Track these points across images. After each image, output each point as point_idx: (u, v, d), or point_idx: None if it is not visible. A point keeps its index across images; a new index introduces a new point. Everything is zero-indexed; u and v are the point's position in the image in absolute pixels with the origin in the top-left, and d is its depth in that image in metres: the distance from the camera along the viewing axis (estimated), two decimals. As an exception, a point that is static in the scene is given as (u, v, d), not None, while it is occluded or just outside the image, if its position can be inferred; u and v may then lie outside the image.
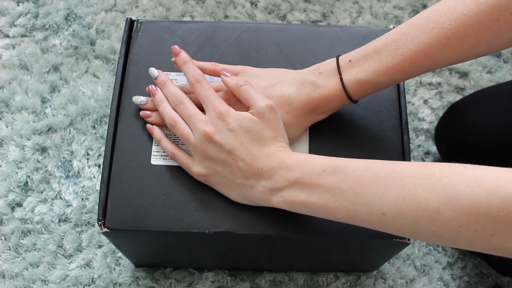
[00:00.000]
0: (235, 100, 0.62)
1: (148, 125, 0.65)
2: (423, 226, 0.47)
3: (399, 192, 0.48)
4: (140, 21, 0.72)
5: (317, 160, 0.55)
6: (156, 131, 0.65)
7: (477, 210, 0.43)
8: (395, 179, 0.49)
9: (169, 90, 0.64)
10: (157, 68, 0.67)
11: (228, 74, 0.63)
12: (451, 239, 0.47)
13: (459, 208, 0.44)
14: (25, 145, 0.97)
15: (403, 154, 0.66)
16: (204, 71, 0.66)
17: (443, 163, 0.48)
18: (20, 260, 0.89)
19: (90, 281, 0.88)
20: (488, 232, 0.44)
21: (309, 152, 0.65)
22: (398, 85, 0.69)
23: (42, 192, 0.94)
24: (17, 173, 0.95)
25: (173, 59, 0.66)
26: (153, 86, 0.66)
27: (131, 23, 0.72)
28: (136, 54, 0.70)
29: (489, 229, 0.43)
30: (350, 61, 0.60)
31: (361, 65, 0.59)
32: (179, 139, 0.65)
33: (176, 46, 0.65)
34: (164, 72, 0.67)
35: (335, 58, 0.61)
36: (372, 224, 0.52)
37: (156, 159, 0.65)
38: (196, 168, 0.61)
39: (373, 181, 0.50)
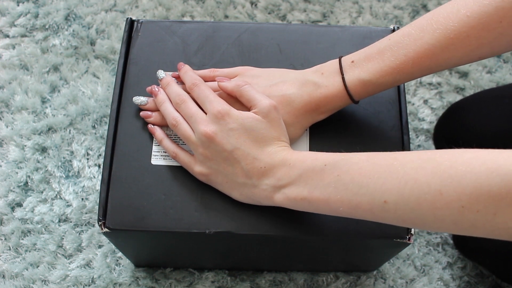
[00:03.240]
0: (234, 100, 0.62)
1: (149, 125, 0.65)
2: (426, 210, 0.47)
3: (401, 178, 0.48)
4: (140, 21, 0.72)
5: (319, 156, 0.55)
6: (158, 131, 0.65)
7: (479, 189, 0.44)
8: (396, 166, 0.49)
9: (172, 90, 0.64)
10: (158, 69, 0.67)
11: (224, 79, 0.63)
12: (454, 222, 0.47)
13: (461, 188, 0.45)
14: (25, 145, 0.97)
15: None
16: (204, 78, 0.66)
17: (444, 149, 0.48)
18: (20, 260, 0.89)
19: (90, 281, 0.88)
20: (490, 211, 0.44)
21: (309, 152, 0.65)
22: (398, 85, 0.69)
23: (42, 192, 0.94)
24: (17, 173, 0.95)
25: (175, 73, 0.67)
26: (155, 86, 0.66)
27: (131, 23, 0.72)
28: (136, 54, 0.70)
29: (492, 208, 0.43)
30: (352, 61, 0.60)
31: (364, 65, 0.59)
32: (180, 139, 0.65)
33: (181, 63, 0.67)
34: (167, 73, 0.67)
35: (338, 59, 0.62)
36: (374, 215, 0.52)
37: (157, 159, 0.65)
38: (198, 168, 0.61)
39: (374, 171, 0.51)
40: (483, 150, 0.46)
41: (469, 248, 0.86)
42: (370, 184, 0.50)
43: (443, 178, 0.46)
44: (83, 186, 0.95)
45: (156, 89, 0.65)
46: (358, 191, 0.51)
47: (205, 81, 0.65)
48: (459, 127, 0.84)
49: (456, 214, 0.46)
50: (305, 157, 0.56)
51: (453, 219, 0.46)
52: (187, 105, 0.62)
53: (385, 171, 0.50)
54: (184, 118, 0.62)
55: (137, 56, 0.70)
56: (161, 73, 0.66)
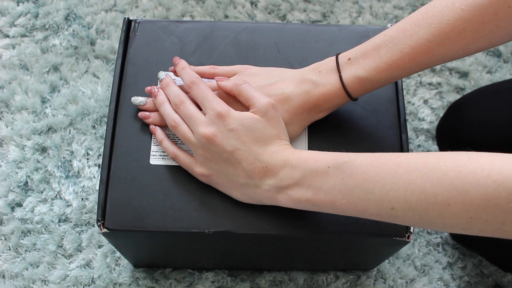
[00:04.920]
0: (233, 99, 0.62)
1: (151, 126, 0.65)
2: (434, 218, 0.48)
3: (407, 187, 0.48)
4: (138, 21, 0.72)
5: (321, 157, 0.55)
6: (158, 132, 0.65)
7: (486, 202, 0.44)
8: (401, 174, 0.49)
9: (171, 90, 0.64)
10: (155, 68, 0.67)
11: (223, 79, 0.63)
12: (463, 229, 0.47)
13: (468, 200, 0.45)
14: (25, 145, 0.97)
15: (401, 152, 0.65)
16: (204, 75, 0.66)
17: (447, 154, 0.48)
18: (20, 260, 0.89)
19: (90, 281, 0.88)
20: (498, 221, 0.44)
21: (308, 151, 0.65)
22: (396, 84, 0.69)
23: (42, 192, 0.94)
24: (17, 173, 0.95)
25: (172, 67, 0.67)
26: (154, 87, 0.66)
27: (128, 23, 0.72)
28: (134, 54, 0.70)
29: (500, 219, 0.44)
30: (349, 59, 0.60)
31: (360, 62, 0.59)
32: (178, 139, 0.65)
33: (177, 57, 0.67)
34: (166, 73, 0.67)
35: (335, 57, 0.61)
36: (381, 218, 0.52)
37: (155, 159, 0.65)
38: (199, 169, 0.61)
39: (379, 177, 0.50)
40: (487, 157, 0.46)
41: (468, 239, 0.86)
42: (376, 190, 0.50)
43: (450, 189, 0.46)
44: (83, 186, 0.95)
45: (156, 89, 0.65)
46: (364, 196, 0.51)
47: (205, 78, 0.65)
48: (461, 124, 0.84)
49: (465, 223, 0.46)
50: (307, 158, 0.56)
51: (462, 226, 0.47)
52: (186, 106, 0.61)
53: (390, 177, 0.50)
54: (183, 119, 0.62)
55: (134, 56, 0.70)
56: (162, 74, 0.66)
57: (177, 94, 0.63)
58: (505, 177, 0.43)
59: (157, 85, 0.67)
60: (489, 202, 0.44)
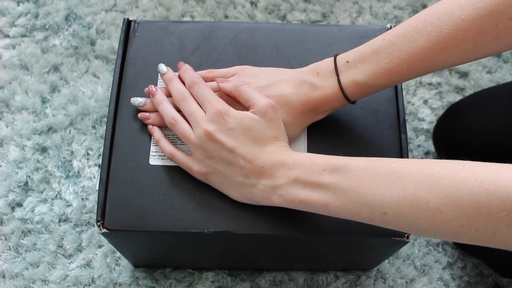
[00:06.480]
0: (233, 100, 0.62)
1: (149, 126, 0.66)
2: (425, 225, 0.48)
3: (399, 192, 0.48)
4: (138, 21, 0.73)
5: (318, 159, 0.55)
6: (156, 132, 0.65)
7: (478, 210, 0.44)
8: (395, 179, 0.49)
9: (174, 86, 0.64)
10: (155, 69, 0.67)
11: (223, 80, 0.63)
12: (453, 237, 0.47)
13: (459, 208, 0.45)
14: (25, 145, 0.97)
15: (401, 152, 0.66)
16: (203, 79, 0.66)
17: (442, 162, 0.48)
18: (20, 260, 0.89)
19: (90, 281, 0.88)
20: (489, 231, 0.44)
21: (308, 151, 0.65)
22: (395, 85, 0.69)
23: (42, 192, 0.94)
24: (17, 173, 0.95)
25: (177, 73, 0.67)
26: (152, 86, 0.66)
27: (128, 24, 0.72)
28: (134, 54, 0.71)
29: (490, 228, 0.44)
30: (347, 62, 0.60)
31: (359, 66, 0.59)
32: (178, 140, 0.65)
33: (182, 62, 0.67)
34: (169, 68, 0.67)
35: (333, 58, 0.61)
36: (374, 222, 0.52)
37: (155, 159, 0.65)
38: (197, 167, 0.61)
39: (373, 181, 0.50)
40: (481, 166, 0.45)
41: (468, 244, 0.86)
42: (369, 194, 0.50)
43: (442, 196, 0.46)
44: (83, 186, 0.95)
45: (154, 88, 0.65)
46: (357, 199, 0.51)
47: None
48: (459, 128, 0.84)
49: (456, 231, 0.46)
50: (304, 159, 0.56)
51: (453, 234, 0.47)
52: (189, 102, 0.62)
53: (383, 182, 0.50)
54: (183, 117, 0.62)
55: (134, 57, 0.70)
56: (163, 68, 0.66)
57: (181, 91, 0.63)
58: (497, 186, 0.43)
59: (157, 80, 0.67)
60: (480, 211, 0.44)
